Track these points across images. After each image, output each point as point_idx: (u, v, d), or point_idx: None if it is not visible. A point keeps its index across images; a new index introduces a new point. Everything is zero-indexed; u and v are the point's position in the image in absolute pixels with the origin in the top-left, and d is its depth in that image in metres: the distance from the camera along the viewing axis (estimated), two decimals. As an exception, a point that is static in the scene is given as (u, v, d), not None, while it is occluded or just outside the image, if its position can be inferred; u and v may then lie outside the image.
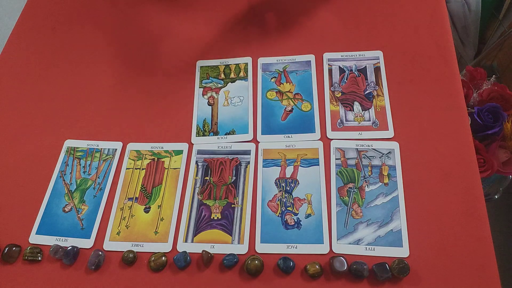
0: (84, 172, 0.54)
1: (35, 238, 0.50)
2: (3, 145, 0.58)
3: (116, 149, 0.56)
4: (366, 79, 0.57)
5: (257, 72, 0.60)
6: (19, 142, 0.58)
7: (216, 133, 0.56)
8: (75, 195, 0.53)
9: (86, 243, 0.49)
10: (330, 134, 0.53)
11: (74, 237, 0.50)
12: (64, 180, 0.54)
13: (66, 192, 0.53)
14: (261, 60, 0.61)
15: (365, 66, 0.58)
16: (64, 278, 0.47)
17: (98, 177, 0.54)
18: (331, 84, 0.57)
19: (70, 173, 0.54)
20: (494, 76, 0.95)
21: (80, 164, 0.55)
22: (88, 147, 0.56)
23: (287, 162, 0.52)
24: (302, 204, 0.49)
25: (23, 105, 0.61)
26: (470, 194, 0.47)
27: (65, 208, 0.52)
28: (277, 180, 0.51)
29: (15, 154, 0.57)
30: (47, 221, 0.51)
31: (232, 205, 0.50)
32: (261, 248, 0.47)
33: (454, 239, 0.45)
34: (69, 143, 0.57)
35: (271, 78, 0.59)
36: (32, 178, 0.54)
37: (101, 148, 0.56)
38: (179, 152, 0.55)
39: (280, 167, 0.52)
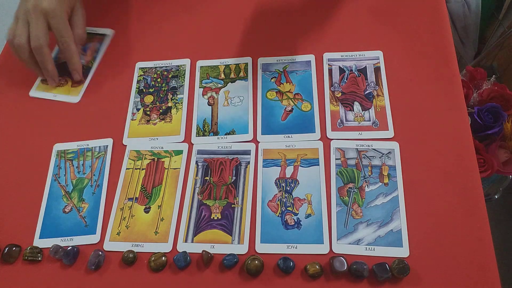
0: (78, 172, 0.54)
1: (39, 243, 0.50)
2: (2, 146, 0.58)
3: (107, 146, 0.56)
4: (366, 79, 0.57)
5: (257, 72, 0.60)
6: (11, 146, 0.58)
7: (216, 133, 0.56)
8: (73, 195, 0.53)
9: (92, 239, 0.49)
10: (330, 134, 0.53)
11: (79, 235, 0.50)
12: (59, 183, 0.54)
13: (64, 193, 0.53)
14: (261, 60, 0.61)
15: (365, 66, 0.58)
16: (64, 278, 0.47)
17: (94, 175, 0.54)
18: (331, 84, 0.57)
19: (64, 175, 0.54)
20: (494, 76, 0.95)
21: (73, 165, 0.55)
22: (79, 147, 0.56)
23: (287, 162, 0.52)
24: (302, 204, 0.49)
25: (21, 108, 0.61)
26: (470, 194, 0.47)
27: (65, 209, 0.52)
28: (277, 180, 0.51)
29: (6, 160, 0.57)
30: (49, 224, 0.51)
31: (232, 205, 0.50)
32: (261, 248, 0.47)
33: (454, 239, 0.45)
34: (58, 146, 0.57)
35: (271, 78, 0.59)
36: (26, 184, 0.54)
37: (92, 147, 0.56)
38: (179, 152, 0.55)
39: (280, 167, 0.52)
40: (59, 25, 0.57)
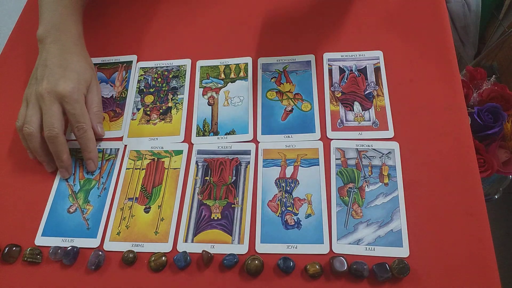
0: (87, 172, 0.54)
1: (40, 240, 0.50)
2: (3, 147, 0.58)
3: (118, 149, 0.56)
4: (366, 79, 0.57)
5: (257, 72, 0.60)
6: (18, 145, 0.58)
7: (216, 133, 0.56)
8: (79, 196, 0.53)
9: (92, 243, 0.49)
10: (330, 134, 0.53)
11: (80, 237, 0.50)
12: (67, 182, 0.54)
13: (70, 193, 0.53)
14: (261, 60, 0.61)
15: (365, 66, 0.58)
16: (64, 278, 0.47)
17: (102, 177, 0.54)
18: (331, 84, 0.57)
19: (73, 174, 0.54)
20: (494, 76, 0.95)
21: (82, 165, 0.55)
22: None
23: (287, 162, 0.52)
24: (302, 204, 0.49)
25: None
26: (470, 194, 0.47)
27: (70, 209, 0.52)
28: (277, 180, 0.51)
29: (15, 156, 0.57)
30: (52, 222, 0.51)
31: (232, 205, 0.50)
32: (261, 248, 0.47)
33: (454, 239, 0.45)
34: (69, 145, 0.56)
35: (271, 78, 0.59)
36: (34, 180, 0.54)
37: (103, 148, 0.56)
38: (179, 152, 0.55)
39: (280, 167, 0.52)
40: (75, 111, 0.51)
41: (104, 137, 0.57)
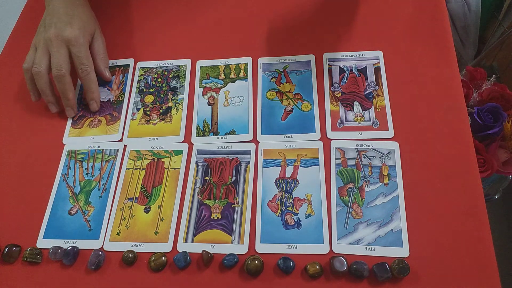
0: (87, 174, 0.54)
1: (42, 243, 0.50)
2: (3, 147, 0.58)
3: (118, 149, 0.56)
4: (366, 79, 0.57)
5: (257, 72, 0.60)
6: (18, 146, 0.58)
7: (216, 133, 0.56)
8: (80, 197, 0.53)
9: (95, 244, 0.49)
10: (330, 134, 0.53)
11: (83, 239, 0.50)
12: (67, 183, 0.54)
13: (71, 195, 0.53)
14: (261, 60, 0.61)
15: (365, 66, 0.58)
16: (64, 278, 0.47)
17: (102, 178, 0.54)
18: (331, 84, 0.57)
19: (73, 175, 0.54)
20: (494, 76, 0.95)
21: (82, 167, 0.55)
22: (89, 149, 0.56)
23: (287, 162, 0.52)
24: (302, 204, 0.49)
25: (23, 106, 0.61)
26: (470, 194, 0.47)
27: (71, 211, 0.52)
28: (277, 180, 0.51)
29: (14, 159, 0.57)
30: (54, 225, 0.51)
31: (232, 205, 0.50)
32: (261, 248, 0.47)
33: (454, 239, 0.45)
34: (69, 146, 0.57)
35: (271, 78, 0.59)
36: (34, 183, 0.54)
37: (103, 149, 0.56)
38: (179, 152, 0.55)
39: (280, 167, 0.52)
40: (80, 53, 0.56)
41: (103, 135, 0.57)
